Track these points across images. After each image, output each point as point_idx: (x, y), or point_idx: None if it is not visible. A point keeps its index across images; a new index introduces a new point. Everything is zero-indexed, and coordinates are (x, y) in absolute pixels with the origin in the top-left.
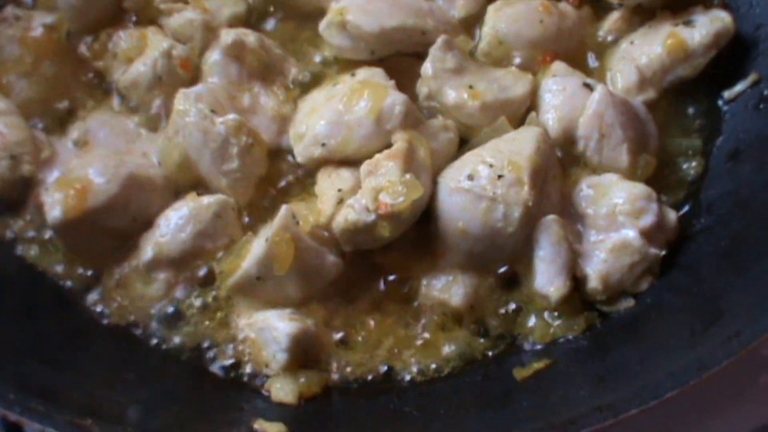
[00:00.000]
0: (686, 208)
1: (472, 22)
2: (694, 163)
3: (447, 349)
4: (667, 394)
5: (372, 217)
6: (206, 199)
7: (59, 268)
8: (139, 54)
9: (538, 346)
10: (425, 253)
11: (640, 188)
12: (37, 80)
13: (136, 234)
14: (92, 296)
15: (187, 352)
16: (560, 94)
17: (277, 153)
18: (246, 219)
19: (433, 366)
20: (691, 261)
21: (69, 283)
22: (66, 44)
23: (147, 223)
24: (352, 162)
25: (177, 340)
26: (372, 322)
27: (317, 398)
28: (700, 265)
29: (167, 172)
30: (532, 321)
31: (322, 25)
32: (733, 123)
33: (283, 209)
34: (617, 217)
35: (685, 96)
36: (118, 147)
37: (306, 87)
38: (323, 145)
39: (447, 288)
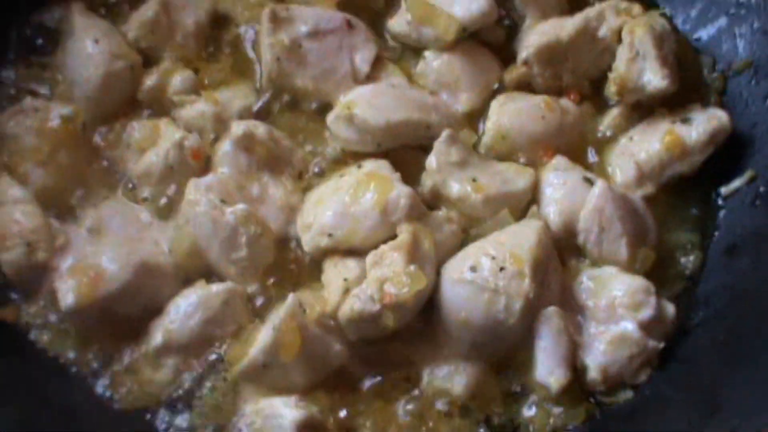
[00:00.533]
0: (684, 302)
1: (475, 117)
2: (691, 257)
3: None
4: None
5: (377, 306)
6: (215, 287)
7: (71, 354)
8: (151, 144)
9: None
10: (428, 342)
11: (638, 281)
12: (53, 169)
13: (146, 320)
14: (102, 381)
15: None
16: (561, 188)
17: (285, 242)
18: (253, 306)
19: None
20: (689, 354)
21: (80, 368)
22: (81, 134)
23: (157, 310)
24: (358, 252)
25: (184, 424)
26: (376, 410)
27: None
28: (697, 358)
29: (177, 259)
30: (532, 410)
31: (330, 118)
32: (730, 218)
33: (290, 298)
34: (617, 310)
35: (683, 191)
36: (130, 235)
37: (313, 178)
38: (330, 235)
39: (449, 377)
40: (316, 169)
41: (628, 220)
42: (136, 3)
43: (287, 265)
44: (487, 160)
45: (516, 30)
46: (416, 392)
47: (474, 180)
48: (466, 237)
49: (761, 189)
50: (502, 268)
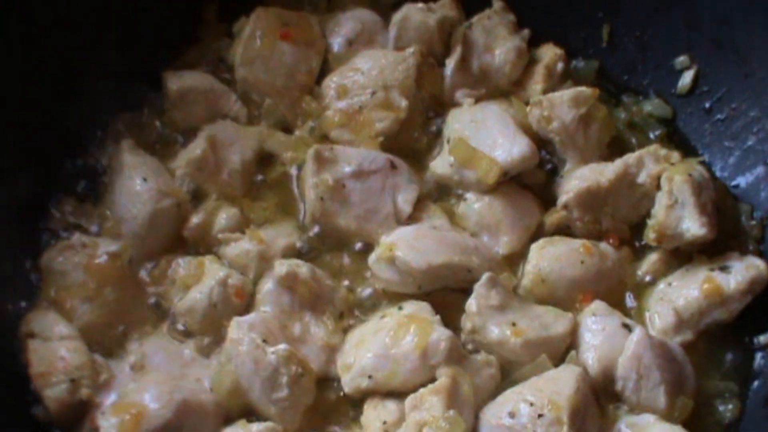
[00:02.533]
0: None
1: (515, 260)
2: (730, 406)
3: None
4: None
5: None
6: (255, 427)
7: None
8: (196, 281)
9: None
10: None
11: (677, 431)
12: (99, 305)
13: None
14: None
15: None
16: (599, 334)
17: (325, 382)
18: None
19: None
20: None
21: None
22: (127, 270)
23: None
24: (397, 394)
25: None
26: None
27: None
28: None
29: (219, 398)
30: None
31: (372, 259)
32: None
33: None
34: None
35: (722, 339)
36: (172, 372)
37: (354, 318)
38: (370, 377)
39: None
40: (357, 310)
41: (666, 368)
42: (186, 140)
43: (328, 405)
44: (527, 303)
45: (556, 173)
46: None
47: (513, 324)
48: (504, 381)
49: None
50: (540, 415)
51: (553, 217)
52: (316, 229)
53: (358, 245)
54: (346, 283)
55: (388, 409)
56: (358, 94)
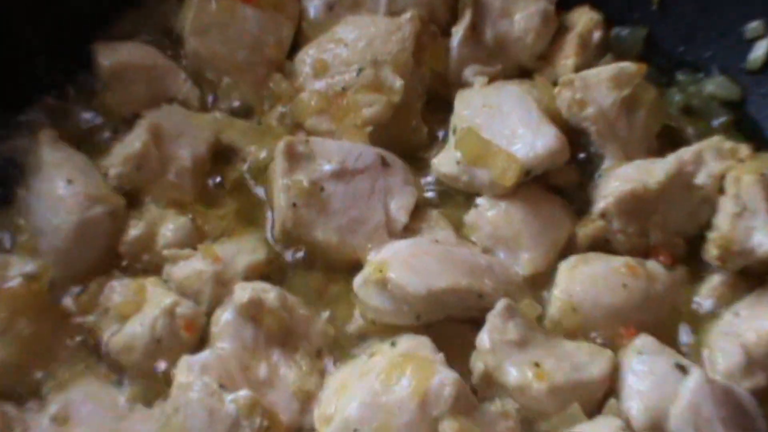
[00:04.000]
0: None
1: (539, 283)
2: None
3: None
4: None
5: None
6: None
7: None
8: (135, 310)
9: None
10: None
11: None
12: (11, 341)
13: None
14: None
15: None
16: (646, 378)
17: None
18: None
19: None
20: None
21: None
22: (48, 297)
23: None
24: None
25: None
26: None
27: None
28: None
29: None
30: None
31: (358, 282)
32: None
33: None
34: None
35: None
36: (104, 426)
37: (336, 357)
38: (355, 431)
39: None
40: (339, 347)
41: (731, 422)
42: (121, 131)
43: None
44: (554, 338)
45: (592, 172)
46: None
47: (537, 365)
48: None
49: None
50: None
51: (587, 229)
52: (287, 243)
53: (340, 264)
54: (325, 313)
55: None
56: (340, 72)
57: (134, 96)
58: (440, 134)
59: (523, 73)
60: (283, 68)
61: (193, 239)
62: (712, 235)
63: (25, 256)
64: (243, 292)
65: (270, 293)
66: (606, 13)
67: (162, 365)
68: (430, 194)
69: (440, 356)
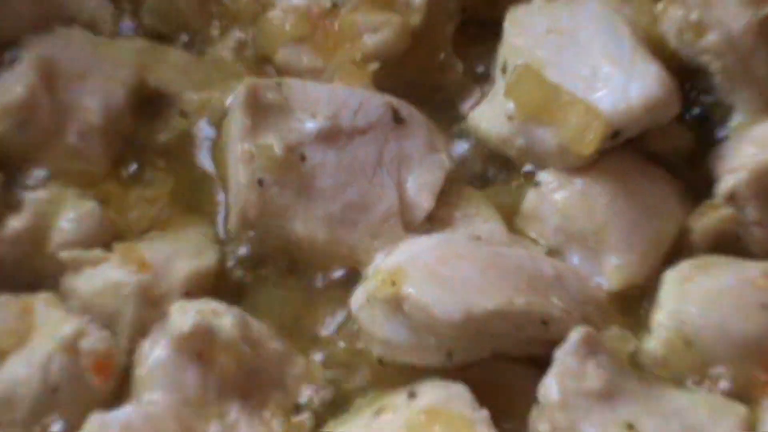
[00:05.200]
0: None
1: (633, 302)
2: None
3: None
4: None
5: None
6: None
7: None
8: (17, 344)
9: None
10: None
11: None
12: None
13: None
14: None
15: None
16: None
17: None
18: None
19: None
20: None
21: None
22: None
23: None
24: None
25: None
26: None
27: None
28: None
29: None
30: None
31: (358, 300)
32: None
33: None
34: None
35: None
36: None
37: (323, 413)
38: None
39: None
40: (329, 398)
41: None
42: None
43: None
44: (656, 385)
45: (714, 135)
46: None
47: (630, 427)
48: None
49: None
50: None
51: (707, 220)
52: (249, 242)
53: (334, 272)
54: (310, 348)
55: None
56: None
57: (15, 15)
58: (481, 74)
59: None
60: None
61: (106, 235)
62: None
63: None
64: (183, 316)
65: (224, 318)
66: None
67: (58, 427)
68: (465, 167)
69: (484, 414)
